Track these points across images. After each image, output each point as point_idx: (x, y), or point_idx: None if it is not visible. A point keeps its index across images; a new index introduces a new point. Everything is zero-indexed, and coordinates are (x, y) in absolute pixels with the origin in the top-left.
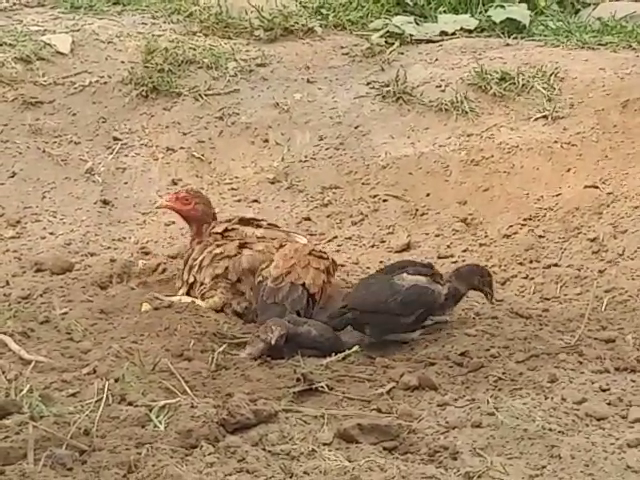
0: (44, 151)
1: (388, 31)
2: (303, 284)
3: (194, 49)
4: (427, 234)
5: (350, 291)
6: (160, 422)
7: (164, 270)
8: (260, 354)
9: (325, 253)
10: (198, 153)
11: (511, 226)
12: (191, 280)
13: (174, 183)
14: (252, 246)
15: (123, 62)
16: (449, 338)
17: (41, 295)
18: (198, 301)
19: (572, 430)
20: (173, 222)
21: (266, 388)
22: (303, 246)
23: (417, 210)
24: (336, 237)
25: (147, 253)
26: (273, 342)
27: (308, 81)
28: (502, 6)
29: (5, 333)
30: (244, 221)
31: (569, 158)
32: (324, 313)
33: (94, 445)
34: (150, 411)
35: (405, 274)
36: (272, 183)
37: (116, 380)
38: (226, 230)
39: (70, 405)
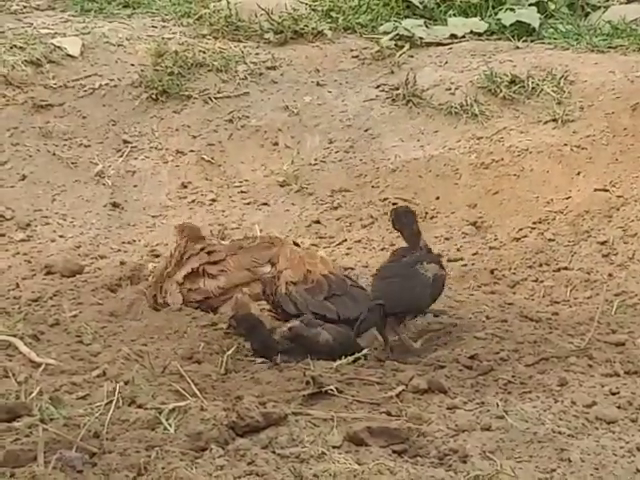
0: (54, 154)
1: (398, 34)
2: None
3: (204, 52)
4: (437, 237)
5: (377, 284)
6: (170, 425)
7: None
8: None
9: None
10: (208, 156)
11: (521, 229)
12: None
13: (184, 186)
14: None
15: (133, 65)
16: (458, 341)
17: (51, 298)
18: None
19: (582, 433)
20: None
21: (276, 391)
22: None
23: (427, 213)
24: (346, 240)
25: (157, 256)
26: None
27: (318, 84)
28: (512, 9)
29: (15, 336)
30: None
31: (579, 161)
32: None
33: (104, 448)
34: (160, 414)
35: (425, 263)
36: (282, 186)
37: (126, 383)
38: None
39: (80, 408)
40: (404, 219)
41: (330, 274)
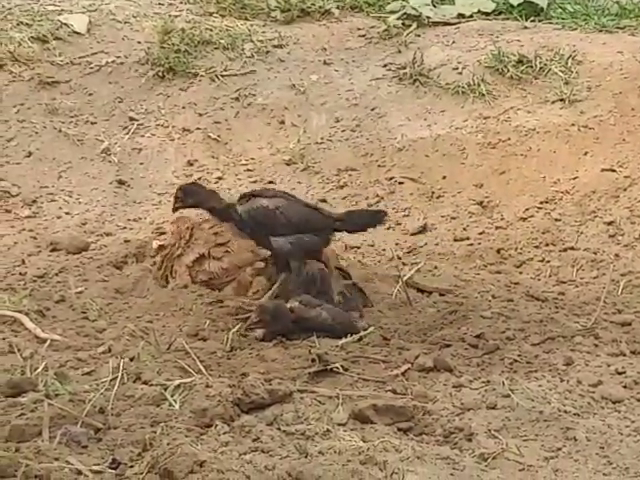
0: (60, 131)
1: (405, 13)
2: None
3: (211, 30)
4: (443, 216)
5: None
6: (175, 401)
7: None
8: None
9: None
10: (214, 134)
11: (527, 209)
12: None
13: (190, 164)
14: None
15: (140, 42)
16: (464, 320)
17: (57, 274)
18: None
19: (587, 413)
20: None
21: (281, 368)
22: None
23: (433, 192)
24: None
25: (162, 233)
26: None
27: (324, 63)
28: None
29: (21, 312)
30: None
31: (586, 141)
32: None
33: (109, 423)
34: (165, 390)
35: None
36: (288, 164)
37: (131, 359)
38: None
39: (85, 383)
40: (194, 188)
41: (325, 268)
